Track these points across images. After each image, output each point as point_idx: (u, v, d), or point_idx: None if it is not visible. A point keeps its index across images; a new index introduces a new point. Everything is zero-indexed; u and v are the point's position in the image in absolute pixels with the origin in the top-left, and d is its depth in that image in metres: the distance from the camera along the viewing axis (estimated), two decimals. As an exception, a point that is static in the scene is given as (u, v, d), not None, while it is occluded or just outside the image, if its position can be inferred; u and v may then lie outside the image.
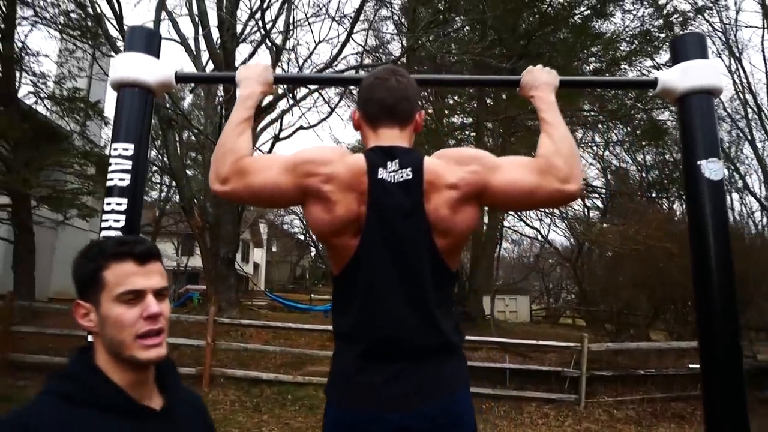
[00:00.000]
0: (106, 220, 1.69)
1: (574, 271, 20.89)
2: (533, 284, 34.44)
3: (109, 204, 1.68)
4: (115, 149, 1.72)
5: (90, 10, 11.30)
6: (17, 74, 10.60)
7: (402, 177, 1.52)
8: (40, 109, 11.78)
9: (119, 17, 11.15)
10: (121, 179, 1.70)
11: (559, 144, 1.61)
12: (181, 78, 1.90)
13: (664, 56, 14.22)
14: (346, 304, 1.59)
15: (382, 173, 1.53)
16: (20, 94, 10.95)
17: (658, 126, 15.11)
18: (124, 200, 1.68)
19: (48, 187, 11.13)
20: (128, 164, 1.71)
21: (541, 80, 1.78)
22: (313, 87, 11.80)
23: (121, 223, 1.69)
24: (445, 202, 1.52)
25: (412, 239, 1.52)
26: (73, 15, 11.56)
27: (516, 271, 34.25)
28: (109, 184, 1.69)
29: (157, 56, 1.87)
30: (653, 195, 19.46)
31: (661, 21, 13.72)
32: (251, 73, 1.83)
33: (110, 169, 1.71)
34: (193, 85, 14.03)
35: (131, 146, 1.72)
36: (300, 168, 1.57)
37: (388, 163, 1.54)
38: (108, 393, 1.09)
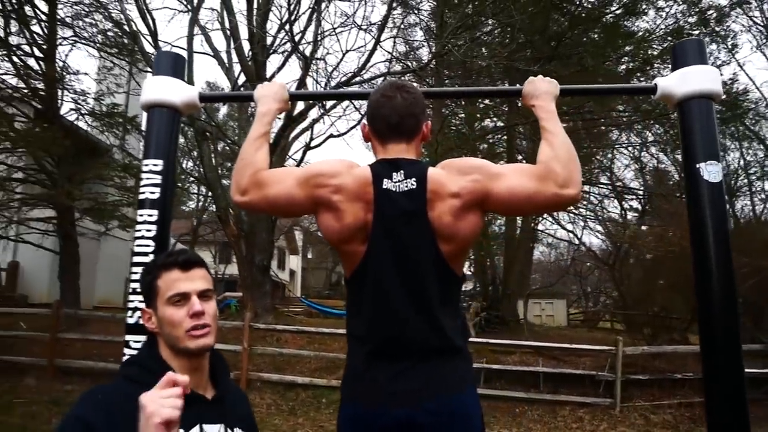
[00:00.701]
0: (140, 230, 1.84)
1: (612, 275, 20.58)
2: (571, 288, 33.99)
3: (141, 215, 1.84)
4: (146, 165, 1.87)
5: (126, 28, 11.67)
6: (59, 92, 11.01)
7: (407, 187, 1.62)
8: (81, 124, 12.22)
9: (154, 34, 11.49)
10: (152, 192, 1.85)
11: (558, 150, 1.68)
12: (205, 98, 2.04)
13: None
14: (357, 307, 1.71)
15: (387, 183, 1.63)
16: (62, 111, 11.37)
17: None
18: (155, 211, 1.84)
19: (90, 199, 11.54)
20: (158, 179, 1.87)
21: (541, 90, 1.85)
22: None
23: (153, 233, 1.84)
24: (447, 210, 1.61)
25: (416, 245, 1.61)
26: (110, 33, 11.97)
27: (553, 275, 33.87)
28: (141, 197, 1.85)
29: (183, 78, 2.02)
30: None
31: (695, 18, 13.50)
32: (268, 91, 1.96)
33: (142, 183, 1.87)
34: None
35: (161, 162, 1.88)
36: (311, 180, 1.69)
37: (393, 174, 1.64)
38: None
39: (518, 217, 17.21)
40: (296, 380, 8.78)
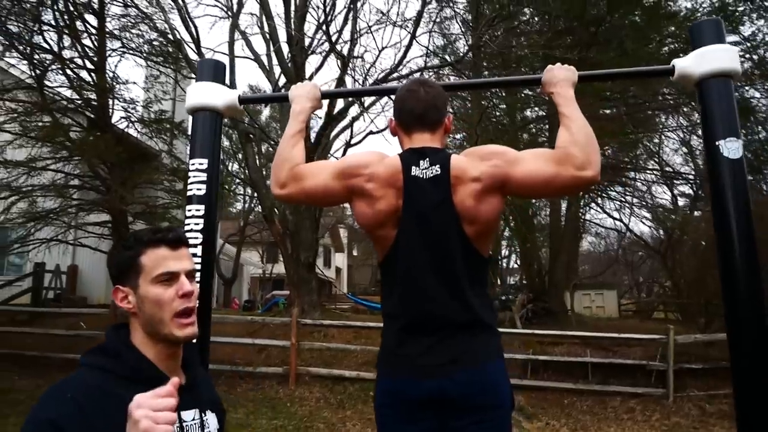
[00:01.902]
0: (188, 224, 1.99)
1: (665, 263, 20.10)
2: (622, 278, 33.30)
3: (189, 210, 2.00)
4: (192, 164, 2.03)
5: (170, 36, 12.03)
6: (110, 102, 11.45)
7: (432, 173, 1.73)
8: (131, 132, 12.64)
9: (197, 41, 11.82)
10: (198, 189, 2.01)
11: (576, 134, 1.74)
12: (244, 100, 2.19)
13: (746, 30, 13.53)
14: (390, 287, 1.82)
15: (415, 171, 1.74)
16: (114, 120, 11.80)
17: (744, 104, 14.33)
18: (202, 206, 2.00)
19: (142, 203, 11.95)
20: (204, 176, 2.03)
21: (559, 77, 1.92)
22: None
23: (201, 226, 2.00)
24: (469, 194, 1.70)
25: (442, 227, 1.71)
26: (155, 43, 12.33)
27: (603, 265, 33.25)
28: (189, 193, 2.02)
29: (223, 83, 2.17)
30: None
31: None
32: (301, 91, 2.10)
33: (189, 181, 2.03)
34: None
35: (206, 161, 2.04)
36: (346, 171, 1.82)
37: (420, 161, 1.75)
38: (142, 367, 1.22)
39: (563, 207, 17.03)
40: (344, 374, 8.93)
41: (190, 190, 2.02)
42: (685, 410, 7.88)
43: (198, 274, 1.81)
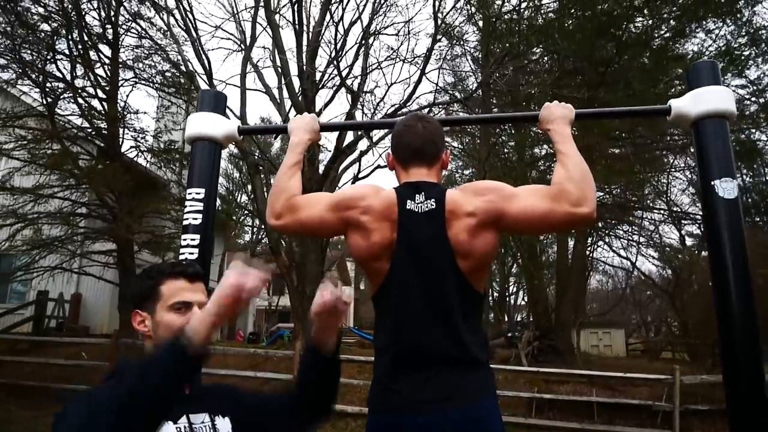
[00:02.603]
0: (183, 253, 1.99)
1: (672, 303, 19.92)
2: (630, 318, 32.91)
3: (185, 239, 2.00)
4: (189, 193, 2.05)
5: (183, 68, 12.25)
6: (120, 131, 11.59)
7: (427, 207, 1.73)
8: (140, 161, 12.77)
9: (209, 73, 11.99)
10: (194, 218, 2.02)
11: (572, 171, 1.75)
12: (243, 131, 2.22)
13: (752, 73, 13.67)
14: (382, 320, 1.81)
15: (410, 204, 1.74)
16: (123, 149, 11.95)
17: (750, 147, 14.40)
18: (197, 236, 2.00)
19: (148, 232, 12.00)
20: (200, 206, 2.04)
21: (556, 115, 1.94)
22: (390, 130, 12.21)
23: (195, 255, 1.99)
24: (464, 228, 1.70)
25: (436, 261, 1.71)
26: (168, 74, 12.55)
27: (610, 304, 32.90)
28: (184, 223, 2.02)
29: (224, 113, 2.19)
30: (750, 220, 18.36)
31: (745, 38, 13.20)
32: (300, 123, 2.12)
33: (185, 210, 2.04)
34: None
35: (203, 191, 2.05)
36: (341, 203, 1.82)
37: (416, 195, 1.76)
38: None
39: (570, 245, 16.95)
40: (346, 409, 8.80)
41: (186, 219, 2.03)
42: (692, 452, 7.71)
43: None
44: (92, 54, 11.29)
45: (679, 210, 19.91)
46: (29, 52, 10.68)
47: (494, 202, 1.72)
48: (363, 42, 11.82)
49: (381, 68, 11.97)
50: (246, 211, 22.54)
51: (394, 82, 16.88)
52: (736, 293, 1.69)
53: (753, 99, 13.67)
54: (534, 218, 1.72)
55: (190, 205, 2.03)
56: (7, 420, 8.09)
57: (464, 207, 1.72)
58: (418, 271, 1.71)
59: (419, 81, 11.53)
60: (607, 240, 20.56)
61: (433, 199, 1.74)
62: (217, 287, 1.21)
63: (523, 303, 30.79)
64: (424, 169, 1.85)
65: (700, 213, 19.78)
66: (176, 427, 1.31)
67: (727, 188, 1.74)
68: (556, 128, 1.91)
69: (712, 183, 1.76)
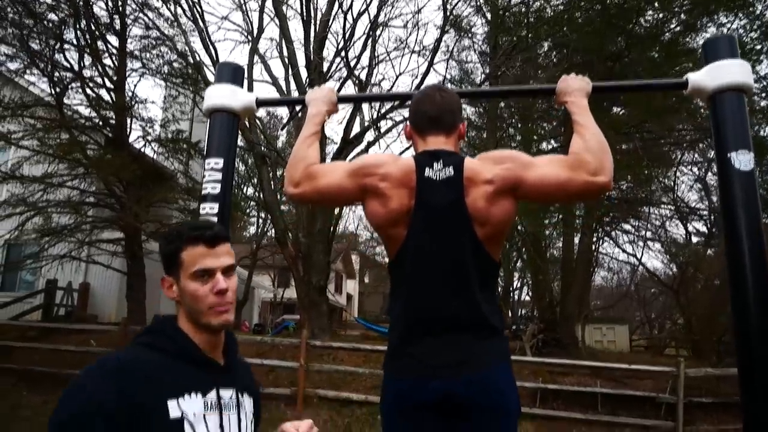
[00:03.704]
0: (202, 222, 2.01)
1: (677, 300, 19.89)
2: (635, 314, 32.92)
3: (203, 208, 2.03)
4: (208, 163, 2.07)
5: (190, 59, 12.27)
6: (128, 120, 11.62)
7: (445, 175, 1.75)
8: (148, 151, 12.80)
9: (216, 64, 12.02)
10: (213, 188, 2.05)
11: (589, 141, 1.77)
12: (261, 102, 2.23)
13: (763, 69, 13.59)
14: (398, 287, 1.83)
15: (428, 172, 1.76)
16: (131, 139, 11.98)
17: (760, 142, 14.32)
18: (216, 204, 2.02)
19: (156, 221, 12.04)
20: (218, 176, 2.07)
21: (573, 87, 1.96)
22: (398, 119, 12.23)
23: (214, 224, 2.00)
24: (481, 196, 1.72)
25: (454, 228, 1.73)
26: (175, 64, 12.54)
27: (615, 300, 32.92)
28: (203, 192, 2.05)
29: (241, 86, 2.21)
30: (765, 215, 18.23)
31: (758, 32, 13.12)
32: (318, 95, 2.14)
33: (204, 179, 2.06)
34: (285, 122, 14.81)
35: (221, 160, 2.08)
36: (360, 170, 1.84)
37: (434, 163, 1.77)
38: (188, 346, 1.33)
39: (576, 239, 16.93)
40: (351, 397, 8.87)
41: (205, 188, 2.06)
42: (695, 445, 7.74)
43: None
44: (100, 44, 11.29)
45: (686, 206, 19.88)
46: (37, 41, 10.70)
47: (512, 170, 1.74)
48: (371, 32, 11.82)
49: (390, 59, 11.97)
50: (252, 202, 22.52)
51: (401, 73, 16.92)
52: (751, 264, 1.70)
53: (763, 94, 13.57)
54: (552, 186, 1.74)
55: (209, 175, 2.05)
56: (18, 405, 8.18)
57: (482, 174, 1.74)
58: (435, 238, 1.73)
59: (427, 72, 11.56)
60: (613, 235, 20.53)
61: (451, 167, 1.76)
62: None
63: (527, 299, 30.86)
64: (442, 138, 1.86)
65: (707, 210, 19.90)
66: (204, 401, 1.29)
67: (743, 160, 1.75)
68: (573, 100, 1.93)
69: (729, 155, 1.77)
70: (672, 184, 18.93)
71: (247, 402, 1.43)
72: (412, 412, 1.72)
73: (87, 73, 11.33)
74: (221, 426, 1.31)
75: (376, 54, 12.15)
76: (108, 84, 11.54)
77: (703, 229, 20.51)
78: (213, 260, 1.35)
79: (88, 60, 11.27)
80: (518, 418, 1.75)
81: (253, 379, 1.55)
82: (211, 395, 1.31)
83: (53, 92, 10.81)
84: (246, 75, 12.25)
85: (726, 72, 1.85)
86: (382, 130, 12.88)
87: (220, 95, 2.15)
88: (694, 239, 20.80)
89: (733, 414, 8.16)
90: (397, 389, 1.77)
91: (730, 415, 8.14)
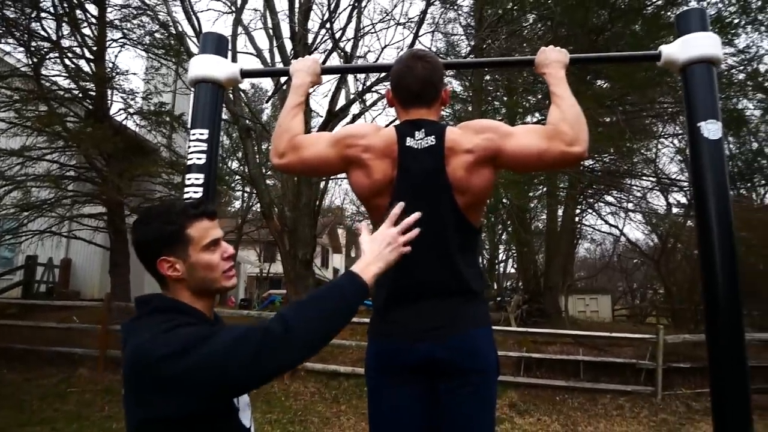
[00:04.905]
0: (187, 193, 2.05)
1: (658, 270, 20.23)
2: (617, 285, 33.45)
3: (189, 179, 2.05)
4: (193, 134, 2.09)
5: (172, 29, 12.06)
6: (109, 92, 11.40)
7: (427, 143, 1.80)
8: (130, 124, 12.59)
9: (199, 35, 11.77)
10: (198, 158, 2.07)
11: (566, 112, 1.82)
12: (246, 73, 2.25)
13: (741, 42, 13.68)
14: None
15: (410, 141, 1.81)
16: (112, 111, 11.76)
17: (737, 115, 14.47)
18: (201, 175, 2.05)
19: (139, 196, 11.91)
20: (204, 146, 2.09)
21: (551, 58, 2.00)
22: (383, 92, 12.17)
23: (199, 194, 2.05)
24: (462, 165, 1.77)
25: (435, 196, 1.78)
26: (157, 35, 12.28)
27: (598, 270, 33.44)
28: (188, 162, 2.07)
29: (226, 56, 2.23)
30: (738, 187, 18.54)
31: (736, 6, 13.16)
32: (302, 65, 2.17)
33: (189, 150, 2.09)
34: (269, 95, 14.67)
35: (206, 131, 2.10)
36: (343, 141, 1.89)
37: (416, 132, 1.82)
38: (201, 315, 1.45)
39: (559, 212, 17.10)
40: (339, 369, 9.00)
41: (190, 159, 2.08)
42: (673, 407, 7.98)
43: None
44: (78, 13, 11.00)
45: (667, 178, 20.08)
46: (12, 9, 10.37)
47: (492, 139, 1.79)
48: (356, 3, 11.70)
49: (375, 31, 11.86)
50: (237, 176, 22.43)
51: (387, 45, 16.83)
52: (718, 230, 1.78)
53: (741, 68, 13.68)
54: (530, 156, 1.79)
55: (194, 146, 2.07)
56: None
57: (463, 144, 1.79)
58: (416, 205, 1.76)
59: (412, 44, 11.45)
60: (596, 207, 20.73)
61: (433, 136, 1.80)
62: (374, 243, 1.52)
63: (512, 271, 31.19)
64: (424, 109, 1.90)
65: (687, 181, 20.13)
66: None
67: (712, 129, 1.82)
68: (551, 71, 1.98)
69: (698, 125, 1.84)
70: (653, 156, 19.13)
71: None
72: (396, 373, 1.79)
73: (65, 43, 11.06)
74: None
75: (361, 26, 12.04)
76: (87, 54, 11.27)
77: (683, 200, 20.73)
78: (217, 231, 1.49)
79: (66, 29, 10.98)
80: (497, 377, 1.83)
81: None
82: None
83: (30, 62, 10.52)
84: (230, 46, 12.21)
85: (696, 44, 1.91)
86: (368, 103, 12.82)
87: (205, 65, 2.16)
88: (675, 210, 21.05)
89: (709, 378, 8.40)
90: (381, 350, 1.84)
91: (707, 379, 8.18)
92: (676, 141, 18.93)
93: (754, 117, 15.13)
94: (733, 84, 13.32)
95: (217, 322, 1.53)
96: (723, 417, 1.78)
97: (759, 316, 11.75)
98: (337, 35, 11.72)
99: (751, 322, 12.22)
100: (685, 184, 19.56)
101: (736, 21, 12.69)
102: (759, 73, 13.47)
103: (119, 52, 13.16)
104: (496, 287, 23.82)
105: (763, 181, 17.41)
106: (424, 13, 11.53)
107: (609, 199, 19.96)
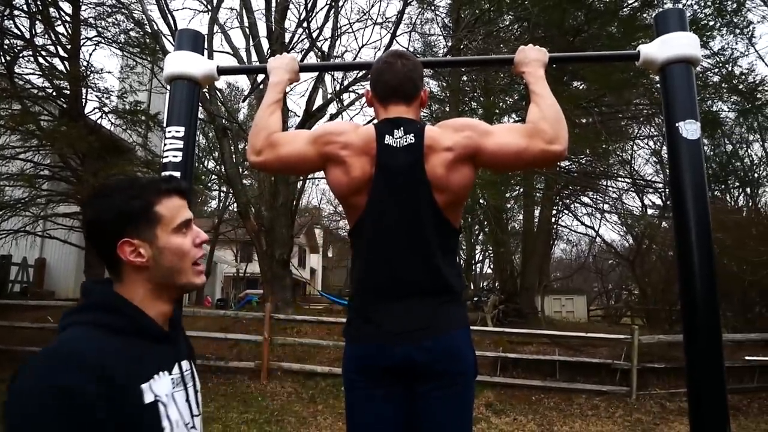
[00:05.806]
0: (163, 190, 1.99)
1: (633, 271, 20.51)
2: (592, 285, 33.82)
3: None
4: (169, 132, 2.04)
5: (148, 28, 11.93)
6: (83, 91, 11.24)
7: (406, 141, 1.77)
8: (105, 123, 12.42)
9: (175, 33, 11.71)
10: (174, 156, 2.02)
11: (546, 111, 1.81)
12: (222, 71, 2.21)
13: (716, 44, 13.91)
14: (359, 253, 1.87)
15: (388, 140, 1.78)
16: (86, 110, 11.59)
17: (712, 117, 14.73)
18: (177, 173, 2.00)
19: (114, 195, 11.71)
20: (180, 144, 2.04)
21: (531, 58, 1.99)
22: (360, 91, 12.16)
23: (176, 192, 1.99)
24: (441, 163, 1.75)
25: (413, 194, 1.76)
26: (132, 33, 12.15)
27: (574, 270, 33.79)
28: (164, 161, 2.03)
29: (202, 53, 2.19)
30: (712, 188, 18.88)
31: (711, 9, 13.39)
32: (280, 63, 2.13)
33: (165, 148, 2.05)
34: (246, 95, 14.57)
35: (182, 129, 2.05)
36: (321, 138, 1.85)
37: (395, 131, 1.80)
38: (149, 323, 1.17)
39: (536, 212, 17.24)
40: (316, 369, 8.94)
41: (166, 157, 2.03)
42: (647, 407, 8.06)
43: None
44: (52, 11, 10.85)
45: (642, 180, 20.37)
46: (-16, 7, 10.22)
47: (472, 138, 1.77)
48: (333, 2, 11.67)
49: (352, 31, 11.87)
50: (213, 176, 22.24)
51: (364, 45, 16.76)
52: (696, 230, 1.78)
53: (716, 70, 13.93)
54: (509, 154, 1.78)
55: (170, 143, 2.03)
56: (-29, 382, 7.98)
57: (442, 142, 1.77)
58: (395, 204, 1.76)
59: (390, 44, 11.47)
60: (572, 208, 20.97)
61: (412, 134, 1.78)
62: None
63: (489, 271, 31.45)
64: (403, 107, 1.88)
65: (662, 183, 20.43)
66: (171, 378, 1.18)
67: (690, 129, 1.82)
68: (530, 71, 1.97)
69: (677, 125, 1.84)
70: (629, 157, 19.40)
71: (194, 367, 1.32)
72: (373, 375, 1.76)
73: (39, 41, 10.89)
74: (188, 401, 1.22)
75: (338, 25, 12.03)
76: (61, 53, 11.10)
77: (659, 201, 21.06)
78: (188, 211, 1.25)
79: (40, 27, 10.82)
80: (474, 379, 1.81)
81: (187, 337, 1.40)
82: (176, 371, 1.21)
83: (2, 60, 10.37)
84: (206, 45, 12.12)
85: (675, 44, 1.91)
86: (345, 103, 12.80)
87: (181, 62, 2.12)
88: (650, 211, 21.36)
89: (683, 377, 8.48)
90: (359, 353, 1.81)
91: (680, 379, 8.47)
92: (651, 143, 19.26)
93: (728, 119, 15.40)
94: (708, 86, 13.55)
95: (174, 330, 1.27)
96: (700, 417, 1.78)
97: (732, 317, 11.95)
98: (315, 34, 11.71)
99: (724, 323, 12.42)
100: (660, 185, 19.92)
101: (711, 23, 12.87)
102: (734, 76, 13.71)
103: (94, 50, 13.01)
104: (472, 287, 23.96)
105: (737, 183, 17.72)
106: (401, 13, 11.56)
107: (585, 200, 20.25)
